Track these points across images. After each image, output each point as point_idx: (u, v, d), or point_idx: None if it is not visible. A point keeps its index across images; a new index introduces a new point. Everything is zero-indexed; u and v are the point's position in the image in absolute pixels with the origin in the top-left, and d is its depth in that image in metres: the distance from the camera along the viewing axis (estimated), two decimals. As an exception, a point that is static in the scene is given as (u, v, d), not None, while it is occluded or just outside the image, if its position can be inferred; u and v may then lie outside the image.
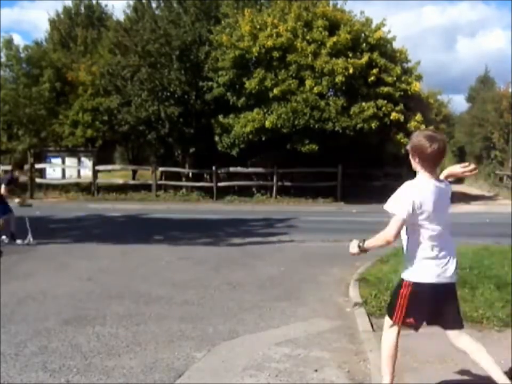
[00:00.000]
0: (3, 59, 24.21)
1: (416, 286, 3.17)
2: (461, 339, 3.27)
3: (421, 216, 3.09)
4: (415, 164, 3.20)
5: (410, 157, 3.24)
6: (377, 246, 3.26)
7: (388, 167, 21.82)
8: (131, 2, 26.02)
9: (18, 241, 9.74)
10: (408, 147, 3.26)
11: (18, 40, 73.37)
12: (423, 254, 3.16)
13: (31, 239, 9.73)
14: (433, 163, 3.14)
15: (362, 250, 3.25)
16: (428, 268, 3.15)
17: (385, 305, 5.43)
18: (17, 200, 10.78)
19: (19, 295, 6.08)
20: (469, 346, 3.25)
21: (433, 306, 3.21)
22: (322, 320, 5.33)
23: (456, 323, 3.28)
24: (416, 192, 3.10)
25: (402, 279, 3.26)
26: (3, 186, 9.67)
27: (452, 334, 3.29)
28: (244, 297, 6.15)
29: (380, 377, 3.65)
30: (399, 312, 3.23)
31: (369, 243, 3.25)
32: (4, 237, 9.78)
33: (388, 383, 3.35)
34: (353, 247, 3.28)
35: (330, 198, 20.91)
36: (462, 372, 3.83)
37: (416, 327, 3.35)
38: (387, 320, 3.38)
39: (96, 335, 4.75)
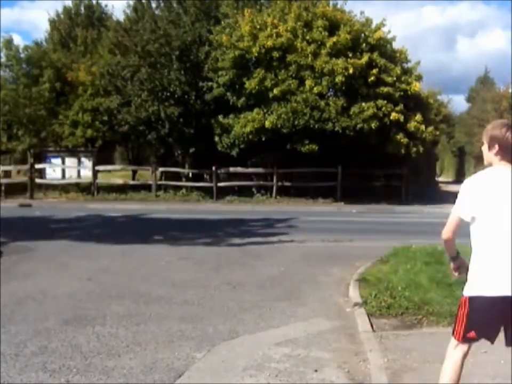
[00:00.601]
0: (3, 59, 24.20)
1: (473, 302, 2.90)
2: None
3: (488, 215, 2.84)
4: (493, 156, 2.92)
5: (486, 148, 2.96)
6: (445, 247, 3.20)
7: (388, 167, 21.82)
8: (131, 2, 26.08)
9: None
10: (484, 138, 2.98)
11: (18, 40, 73.62)
12: (482, 263, 2.91)
13: None
14: None
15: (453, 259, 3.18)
16: (488, 279, 2.86)
17: (385, 306, 5.46)
18: None
19: (19, 295, 6.08)
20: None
21: (495, 322, 2.96)
22: (322, 320, 5.33)
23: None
24: (482, 187, 2.86)
25: (462, 295, 3.01)
26: None
27: None
28: (244, 297, 6.15)
29: (380, 377, 3.66)
30: (459, 328, 2.98)
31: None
32: None
33: None
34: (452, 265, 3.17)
35: (330, 198, 20.90)
36: (462, 372, 3.82)
37: (477, 340, 3.04)
38: (452, 341, 3.09)
39: (96, 335, 4.75)
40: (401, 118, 19.63)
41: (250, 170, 22.27)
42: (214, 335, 4.80)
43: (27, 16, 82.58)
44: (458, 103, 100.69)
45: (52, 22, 33.63)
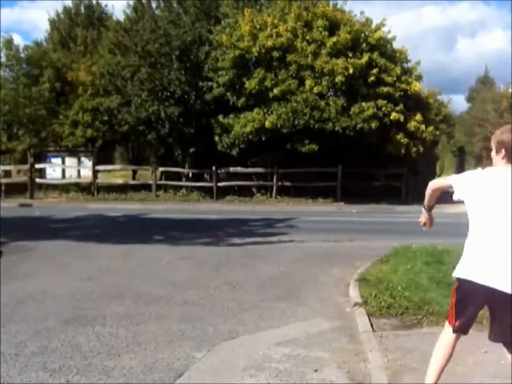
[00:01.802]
0: (3, 59, 24.19)
1: (460, 282, 3.04)
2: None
3: (487, 207, 2.94)
4: (499, 159, 3.02)
5: (494, 152, 3.06)
6: (427, 194, 3.41)
7: (388, 167, 21.83)
8: (131, 2, 26.06)
9: None
10: (493, 143, 3.08)
11: (18, 40, 73.35)
12: (474, 249, 3.00)
13: None
14: None
15: (428, 209, 3.38)
16: (477, 265, 2.95)
17: (385, 306, 5.46)
18: None
19: (19, 295, 6.08)
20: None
21: (478, 311, 3.06)
22: (322, 320, 5.33)
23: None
24: (486, 179, 2.98)
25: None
26: None
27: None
28: (244, 297, 6.15)
29: (380, 377, 3.67)
30: (451, 311, 3.12)
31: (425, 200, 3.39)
32: None
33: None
34: (421, 216, 3.41)
35: (330, 198, 20.90)
36: (462, 372, 3.83)
37: (462, 330, 3.12)
38: (446, 323, 3.21)
39: (96, 335, 4.75)
40: (401, 118, 19.63)
41: (250, 170, 22.26)
42: (214, 335, 4.80)
43: (27, 16, 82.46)
44: (458, 103, 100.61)
45: (52, 22, 33.64)
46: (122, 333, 4.83)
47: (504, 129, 3.08)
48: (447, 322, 3.18)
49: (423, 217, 3.46)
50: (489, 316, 3.09)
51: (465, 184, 3.07)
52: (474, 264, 2.97)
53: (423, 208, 3.46)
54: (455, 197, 3.12)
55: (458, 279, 3.06)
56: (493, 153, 3.09)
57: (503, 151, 2.99)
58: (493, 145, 3.08)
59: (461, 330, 3.11)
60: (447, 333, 3.17)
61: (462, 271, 3.04)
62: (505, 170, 2.96)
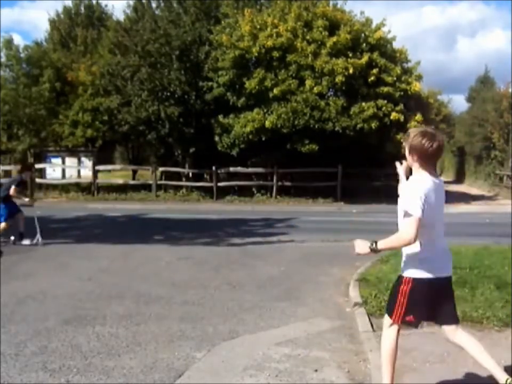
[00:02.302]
0: (3, 59, 24.17)
1: (417, 282, 3.16)
2: (457, 334, 3.28)
3: (425, 213, 3.06)
4: (413, 162, 3.20)
5: (407, 154, 3.22)
6: (395, 247, 3.25)
7: (388, 167, 21.77)
8: (131, 2, 26.04)
9: (26, 242, 9.76)
10: (406, 145, 3.22)
11: (18, 40, 73.41)
12: (423, 250, 3.16)
13: (40, 239, 9.75)
14: (434, 161, 3.17)
15: (373, 251, 3.14)
16: (428, 263, 3.15)
17: (385, 305, 5.46)
18: (27, 199, 10.78)
19: (19, 295, 6.08)
20: (466, 341, 3.26)
21: (432, 303, 3.22)
22: (322, 320, 5.33)
23: (453, 318, 3.30)
24: (423, 189, 3.08)
25: (402, 276, 3.25)
26: (13, 186, 9.77)
27: (448, 329, 3.30)
28: (244, 297, 6.15)
29: (380, 377, 3.65)
30: (399, 310, 3.23)
31: (384, 244, 3.11)
32: (12, 237, 9.82)
33: (388, 383, 3.34)
34: (362, 247, 3.16)
35: (330, 198, 20.90)
36: (462, 372, 3.83)
37: (415, 325, 3.36)
38: (386, 319, 3.37)
39: (96, 335, 4.75)
40: (401, 118, 19.61)
41: (250, 170, 22.27)
42: (214, 335, 4.80)
43: (27, 16, 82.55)
44: (458, 103, 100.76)
45: (52, 22, 33.61)
46: (122, 333, 4.83)
47: (415, 132, 3.19)
48: (388, 322, 3.33)
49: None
50: (437, 305, 3.24)
51: (419, 203, 3.10)
52: (422, 262, 3.16)
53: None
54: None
55: (412, 278, 3.18)
56: (406, 153, 3.23)
57: (415, 155, 3.15)
58: (406, 146, 3.21)
59: (411, 324, 3.31)
60: (390, 329, 3.32)
61: (413, 271, 3.19)
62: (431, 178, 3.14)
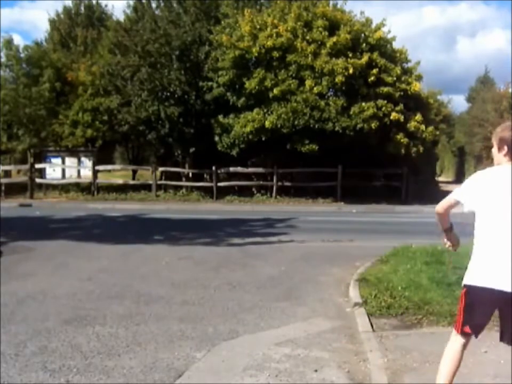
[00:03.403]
0: (3, 59, 24.18)
1: (469, 289, 2.99)
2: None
3: (491, 208, 2.88)
4: (501, 157, 3.00)
5: (496, 149, 3.03)
6: (438, 220, 3.30)
7: (388, 167, 21.82)
8: (131, 2, 26.03)
9: None
10: (494, 141, 3.04)
11: (18, 40, 73.59)
12: (484, 254, 2.96)
13: None
14: None
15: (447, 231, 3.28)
16: (483, 269, 2.94)
17: (385, 306, 5.46)
18: None
19: (19, 295, 6.08)
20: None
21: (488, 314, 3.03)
22: (322, 320, 5.33)
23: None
24: (480, 180, 2.95)
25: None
26: None
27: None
28: (244, 297, 6.15)
29: (380, 377, 3.66)
30: (458, 318, 3.07)
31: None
32: None
33: None
34: (445, 240, 3.32)
35: (330, 198, 20.89)
36: (462, 372, 3.82)
37: (475, 335, 3.10)
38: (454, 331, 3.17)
39: (96, 335, 4.75)
40: (401, 118, 19.61)
41: (250, 170, 22.26)
42: (214, 335, 4.80)
43: (27, 16, 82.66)
44: (458, 103, 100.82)
45: (52, 22, 33.62)
46: (122, 333, 4.83)
47: (505, 126, 3.03)
48: (454, 331, 3.13)
49: (447, 240, 3.34)
50: (499, 319, 3.06)
51: (471, 193, 2.99)
52: (483, 269, 2.93)
53: (444, 233, 3.32)
54: (465, 209, 3.04)
55: (468, 286, 3.01)
56: (494, 149, 3.04)
57: (506, 148, 2.95)
58: (494, 142, 3.03)
59: (470, 335, 3.08)
60: (455, 341, 3.11)
61: (471, 277, 3.00)
62: (509, 169, 2.91)
